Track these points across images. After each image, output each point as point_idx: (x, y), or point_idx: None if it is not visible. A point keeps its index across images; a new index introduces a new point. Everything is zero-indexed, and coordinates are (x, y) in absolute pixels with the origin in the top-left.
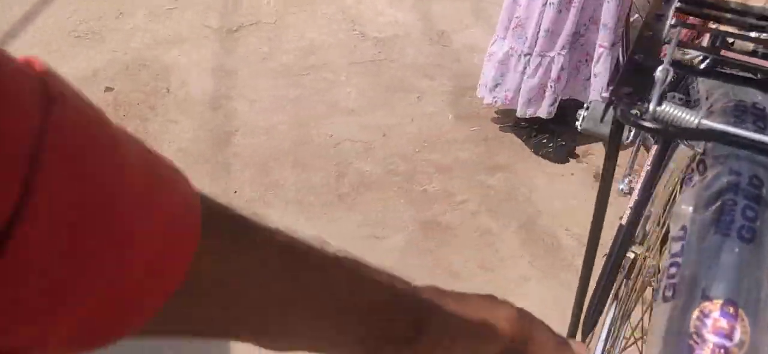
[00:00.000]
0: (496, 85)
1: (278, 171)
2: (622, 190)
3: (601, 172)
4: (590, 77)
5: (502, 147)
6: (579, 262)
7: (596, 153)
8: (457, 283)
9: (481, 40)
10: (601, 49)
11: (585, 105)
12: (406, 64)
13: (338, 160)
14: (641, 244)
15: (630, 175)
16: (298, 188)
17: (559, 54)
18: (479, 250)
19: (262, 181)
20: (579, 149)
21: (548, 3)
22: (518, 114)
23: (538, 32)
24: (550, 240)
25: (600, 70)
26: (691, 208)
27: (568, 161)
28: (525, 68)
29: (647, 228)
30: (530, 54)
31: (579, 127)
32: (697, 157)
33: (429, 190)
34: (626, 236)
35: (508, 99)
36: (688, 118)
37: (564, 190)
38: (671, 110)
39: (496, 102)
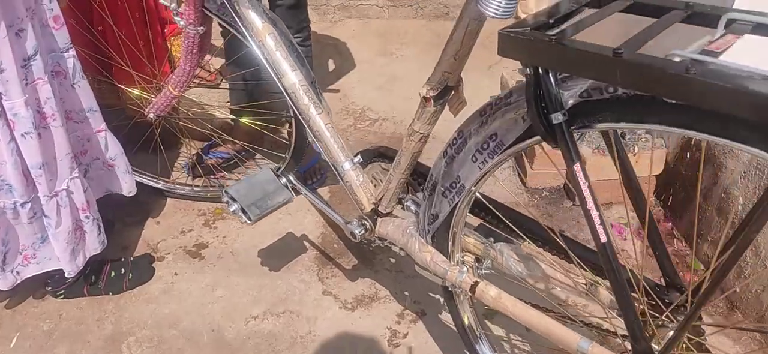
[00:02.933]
0: (5, 256)
1: None
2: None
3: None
4: (97, 167)
5: (86, 325)
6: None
7: (162, 240)
8: None
9: None
10: (102, 133)
11: (226, 200)
12: None
13: None
14: None
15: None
16: None
17: (72, 179)
18: None
19: None
20: (144, 245)
21: (22, 135)
22: (69, 274)
23: (27, 172)
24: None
25: (116, 153)
26: None
27: (150, 277)
28: (34, 216)
29: None
30: (30, 201)
31: (251, 222)
32: None
33: None
34: None
35: (28, 259)
36: None
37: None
38: None
39: (18, 278)
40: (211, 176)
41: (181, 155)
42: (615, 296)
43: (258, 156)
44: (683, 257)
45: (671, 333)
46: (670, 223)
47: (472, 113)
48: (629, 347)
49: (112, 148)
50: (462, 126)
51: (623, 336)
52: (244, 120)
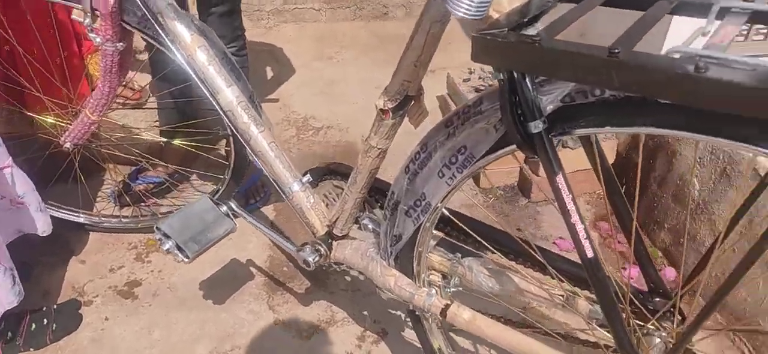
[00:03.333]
0: None
1: None
2: None
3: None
4: (4, 207)
5: None
6: None
7: (89, 281)
8: None
9: None
10: (8, 169)
11: (159, 237)
12: None
13: None
14: None
15: None
16: None
17: None
18: None
19: None
20: (68, 288)
21: None
22: None
23: None
24: None
25: (25, 190)
26: None
27: (77, 326)
28: None
29: None
30: None
31: (189, 260)
32: None
33: None
34: None
35: None
36: None
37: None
38: None
39: None
40: (142, 204)
41: (105, 183)
42: (603, 310)
43: (193, 178)
44: None
45: (657, 339)
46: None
47: (436, 124)
48: None
49: (20, 184)
50: (425, 138)
51: (607, 346)
52: (176, 141)
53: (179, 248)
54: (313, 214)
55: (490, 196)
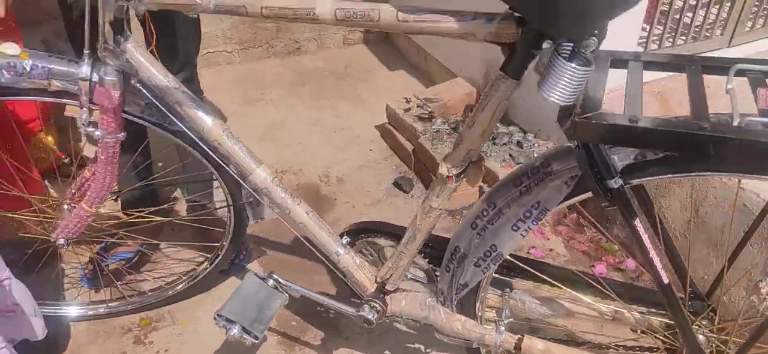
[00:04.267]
0: None
1: None
2: None
3: None
4: None
5: None
6: None
7: None
8: None
9: None
10: (6, 281)
11: (223, 324)
12: None
13: None
14: None
15: None
16: None
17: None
18: None
19: None
20: None
21: None
22: None
23: None
24: None
25: (21, 297)
26: None
27: None
28: None
29: None
30: None
31: (258, 340)
32: None
33: None
34: None
35: None
36: None
37: None
38: None
39: None
40: (121, 283)
41: (67, 269)
42: (675, 322)
43: (163, 245)
44: (597, 241)
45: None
46: (575, 214)
47: (501, 181)
48: None
49: (17, 292)
50: (491, 197)
51: (654, 349)
52: (150, 216)
53: (246, 331)
54: (361, 273)
55: (457, 216)
